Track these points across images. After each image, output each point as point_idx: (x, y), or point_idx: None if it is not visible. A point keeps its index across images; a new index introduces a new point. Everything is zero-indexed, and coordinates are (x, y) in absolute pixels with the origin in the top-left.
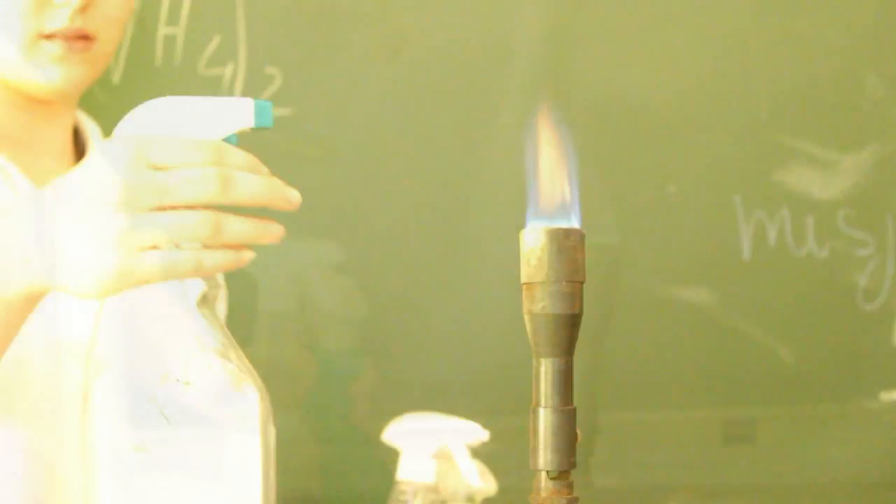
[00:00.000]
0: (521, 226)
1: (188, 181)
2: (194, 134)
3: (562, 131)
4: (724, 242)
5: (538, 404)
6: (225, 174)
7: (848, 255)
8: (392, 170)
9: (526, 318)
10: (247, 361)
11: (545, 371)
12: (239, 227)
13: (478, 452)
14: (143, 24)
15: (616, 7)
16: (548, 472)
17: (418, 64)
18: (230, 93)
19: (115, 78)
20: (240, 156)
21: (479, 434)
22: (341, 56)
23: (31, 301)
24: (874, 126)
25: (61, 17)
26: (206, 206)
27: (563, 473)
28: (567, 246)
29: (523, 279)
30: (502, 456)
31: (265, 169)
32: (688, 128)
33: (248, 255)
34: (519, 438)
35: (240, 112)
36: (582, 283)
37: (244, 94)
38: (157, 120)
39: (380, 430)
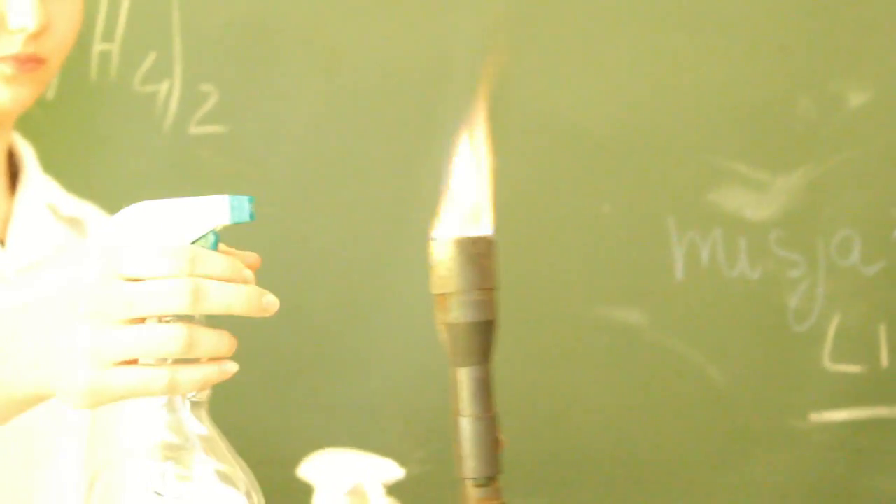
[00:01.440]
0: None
1: (157, 294)
2: (170, 237)
3: (476, 140)
4: (657, 263)
5: (459, 413)
6: (197, 285)
7: (779, 276)
8: (326, 188)
9: (440, 328)
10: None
11: (463, 380)
12: (214, 341)
13: (392, 490)
14: (79, 39)
15: (553, 26)
16: (473, 480)
17: (353, 82)
18: (165, 109)
19: (50, 94)
20: (216, 263)
21: (394, 472)
22: (276, 74)
23: (38, 400)
24: (806, 148)
25: (15, 43)
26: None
27: (490, 480)
28: (476, 253)
29: (435, 290)
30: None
31: (247, 273)
32: (622, 148)
33: (232, 368)
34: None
35: (215, 210)
36: (493, 289)
37: (179, 110)
38: (133, 225)
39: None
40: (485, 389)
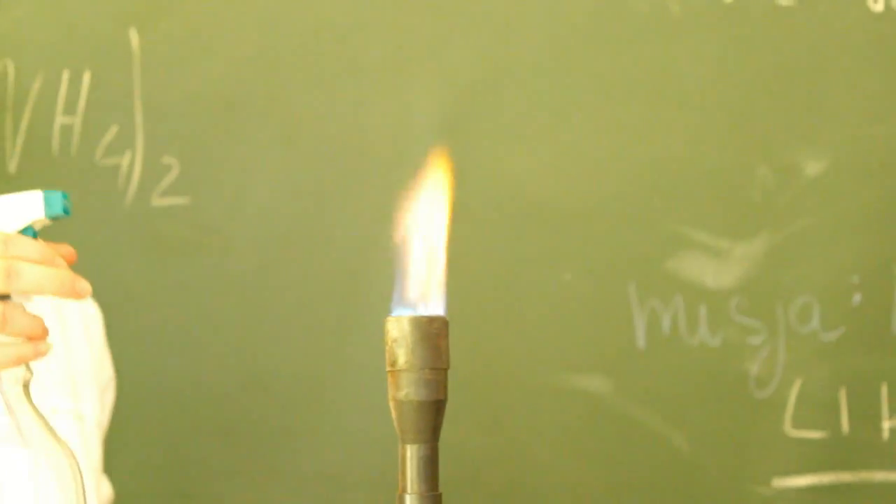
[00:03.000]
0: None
1: None
2: None
3: (427, 220)
4: (619, 330)
5: (404, 490)
6: (10, 265)
7: (740, 342)
8: (287, 258)
9: (391, 404)
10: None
11: (410, 457)
12: (28, 321)
13: None
14: (40, 113)
15: (512, 94)
16: None
17: (313, 151)
18: (127, 181)
19: (12, 167)
20: (29, 246)
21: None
22: (237, 145)
23: None
24: (764, 215)
25: None
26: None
27: None
28: (430, 333)
29: (388, 366)
30: None
31: (60, 260)
32: (583, 217)
33: (45, 348)
34: None
35: (30, 206)
36: (445, 369)
37: (142, 182)
38: None
39: None
40: (431, 467)
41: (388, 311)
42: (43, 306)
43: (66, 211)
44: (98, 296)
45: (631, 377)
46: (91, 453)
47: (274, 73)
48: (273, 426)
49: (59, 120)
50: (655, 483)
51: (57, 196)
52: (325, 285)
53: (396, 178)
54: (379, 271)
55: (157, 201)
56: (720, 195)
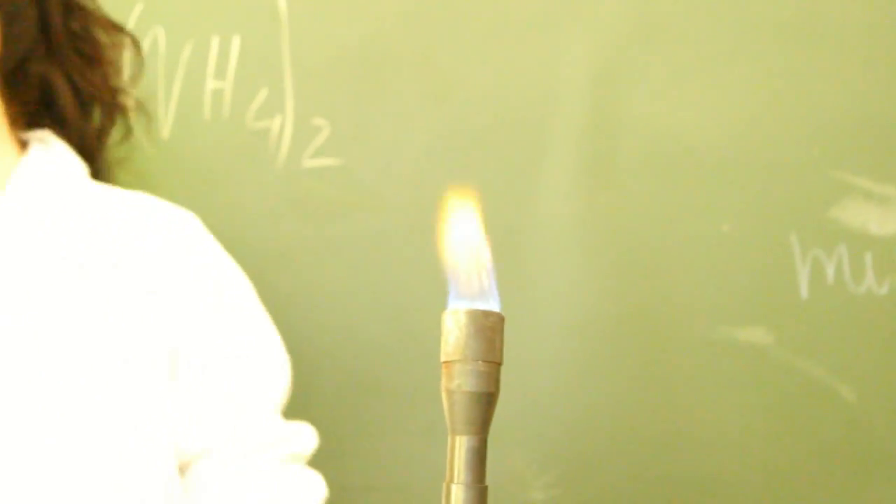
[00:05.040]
0: (558, 263)
1: None
2: None
3: (475, 220)
4: (781, 281)
5: (451, 480)
6: None
7: None
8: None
9: (443, 395)
10: None
11: (458, 448)
12: None
13: None
14: (191, 79)
15: (664, 46)
16: None
17: (465, 109)
18: (278, 144)
19: (165, 133)
20: None
21: None
22: (388, 104)
23: None
24: None
25: None
26: None
27: None
28: (486, 326)
29: (442, 357)
30: None
31: None
32: (741, 166)
33: None
34: None
35: None
36: (499, 364)
37: (293, 144)
38: None
39: None
40: (478, 459)
41: (545, 268)
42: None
43: None
44: (251, 258)
45: (794, 328)
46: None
47: (423, 31)
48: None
49: (210, 85)
50: (822, 436)
51: None
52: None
53: (549, 134)
54: (533, 228)
55: (308, 163)
56: (883, 140)
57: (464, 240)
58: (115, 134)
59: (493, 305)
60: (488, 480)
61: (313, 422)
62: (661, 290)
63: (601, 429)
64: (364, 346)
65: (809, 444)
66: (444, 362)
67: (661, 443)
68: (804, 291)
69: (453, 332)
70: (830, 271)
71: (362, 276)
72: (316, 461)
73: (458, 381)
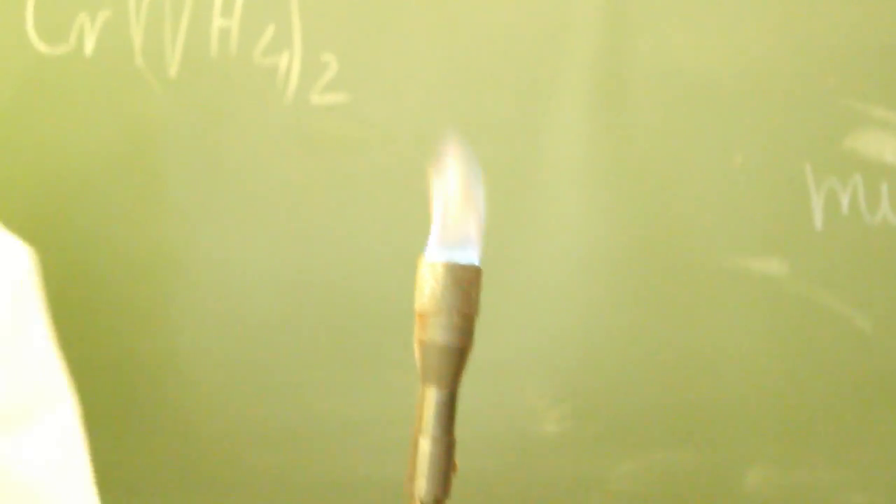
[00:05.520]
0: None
1: None
2: None
3: (469, 164)
4: (795, 211)
5: (419, 432)
6: None
7: None
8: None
9: (416, 345)
10: None
11: (429, 400)
12: None
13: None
14: (197, 17)
15: None
16: (421, 500)
17: (475, 45)
18: (286, 80)
19: (172, 72)
20: None
21: None
22: (396, 40)
23: None
24: None
25: None
26: None
27: (438, 503)
28: (463, 279)
29: (416, 308)
30: None
31: None
32: (753, 97)
33: None
34: None
35: None
36: (473, 317)
37: (301, 81)
38: None
39: None
40: (448, 413)
41: (550, 209)
42: None
43: None
44: (260, 196)
45: (809, 259)
46: None
47: None
48: None
49: (217, 23)
50: (838, 365)
51: None
52: (490, 175)
53: (561, 68)
54: (547, 162)
55: (317, 99)
56: None
57: (457, 182)
58: None
59: (473, 256)
60: (501, 414)
61: (323, 354)
62: (675, 223)
63: (615, 361)
64: (373, 281)
65: (825, 375)
66: (419, 313)
67: (675, 374)
68: (819, 222)
69: (429, 283)
70: (845, 201)
71: (371, 212)
72: (324, 392)
73: (430, 333)
